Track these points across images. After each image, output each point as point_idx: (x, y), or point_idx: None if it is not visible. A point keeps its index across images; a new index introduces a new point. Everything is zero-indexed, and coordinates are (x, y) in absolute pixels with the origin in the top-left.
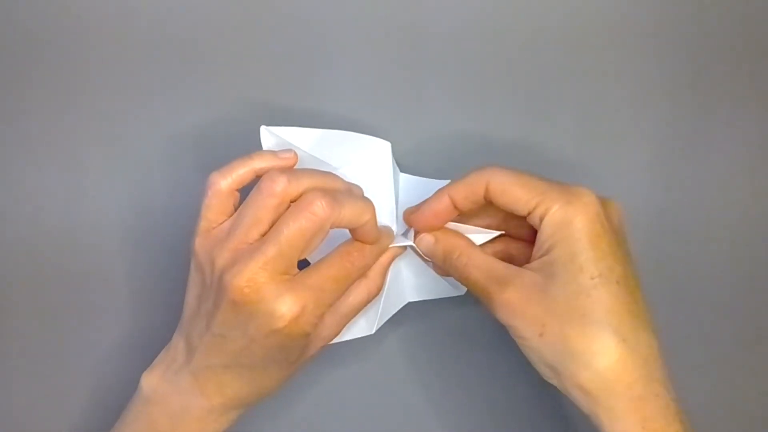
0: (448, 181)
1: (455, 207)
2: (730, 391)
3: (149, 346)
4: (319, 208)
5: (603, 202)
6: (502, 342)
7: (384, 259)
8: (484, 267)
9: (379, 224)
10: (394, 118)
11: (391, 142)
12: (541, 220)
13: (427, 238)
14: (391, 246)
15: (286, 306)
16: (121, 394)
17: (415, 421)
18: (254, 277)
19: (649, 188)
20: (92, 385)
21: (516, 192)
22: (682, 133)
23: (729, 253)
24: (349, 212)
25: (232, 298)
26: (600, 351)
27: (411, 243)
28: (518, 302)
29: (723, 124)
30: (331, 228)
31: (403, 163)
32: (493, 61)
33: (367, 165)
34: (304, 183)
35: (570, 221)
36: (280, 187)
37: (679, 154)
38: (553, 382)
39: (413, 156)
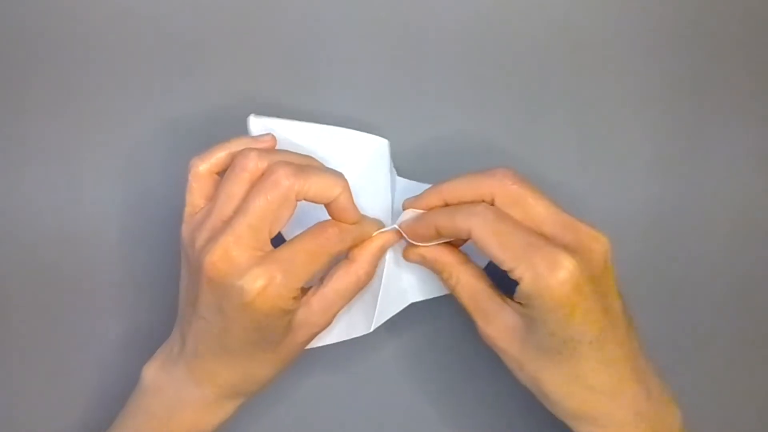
0: None
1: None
2: (729, 391)
3: (152, 342)
4: (282, 177)
5: (586, 249)
6: None
7: (374, 245)
8: (470, 294)
9: (370, 217)
10: (391, 118)
11: (388, 141)
12: (519, 281)
13: (413, 258)
14: (377, 232)
15: (252, 278)
16: (124, 389)
17: (414, 426)
18: (226, 252)
19: (648, 188)
20: (95, 381)
21: (494, 251)
22: (681, 134)
23: (728, 253)
24: (316, 183)
25: (207, 274)
26: (567, 397)
27: (395, 227)
28: (498, 340)
29: (722, 124)
30: (297, 199)
31: (400, 162)
32: (492, 62)
33: (364, 163)
34: (275, 158)
35: (542, 294)
36: (251, 163)
37: (678, 154)
38: (539, 400)
39: (410, 155)
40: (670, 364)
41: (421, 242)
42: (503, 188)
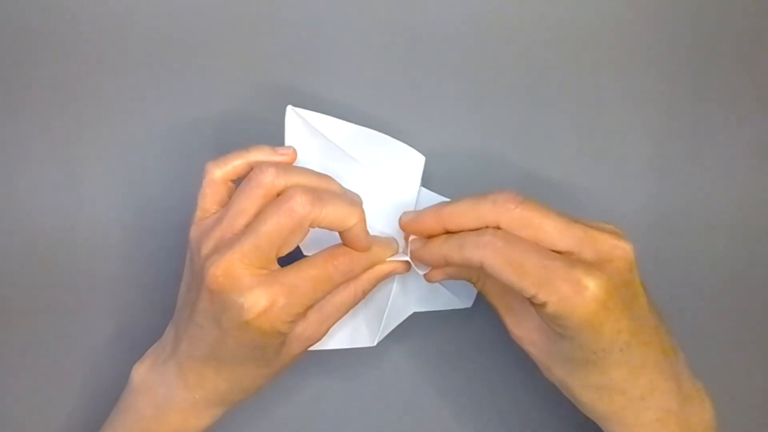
0: None
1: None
2: (729, 391)
3: (145, 342)
4: (298, 204)
5: (608, 260)
6: (508, 354)
7: (382, 270)
8: (498, 294)
9: (386, 235)
10: (391, 116)
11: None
12: (541, 307)
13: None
14: (390, 259)
15: (254, 298)
16: (117, 387)
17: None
18: (230, 268)
19: (646, 190)
20: (87, 379)
21: (511, 281)
22: (681, 133)
23: (728, 252)
24: (332, 213)
25: (208, 286)
26: (596, 401)
27: (406, 258)
28: (526, 342)
29: (722, 123)
30: (311, 227)
31: None
32: (492, 61)
33: (396, 172)
34: (293, 178)
35: (570, 316)
36: (267, 179)
37: (678, 154)
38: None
39: None
40: None
41: (461, 219)
42: (507, 213)
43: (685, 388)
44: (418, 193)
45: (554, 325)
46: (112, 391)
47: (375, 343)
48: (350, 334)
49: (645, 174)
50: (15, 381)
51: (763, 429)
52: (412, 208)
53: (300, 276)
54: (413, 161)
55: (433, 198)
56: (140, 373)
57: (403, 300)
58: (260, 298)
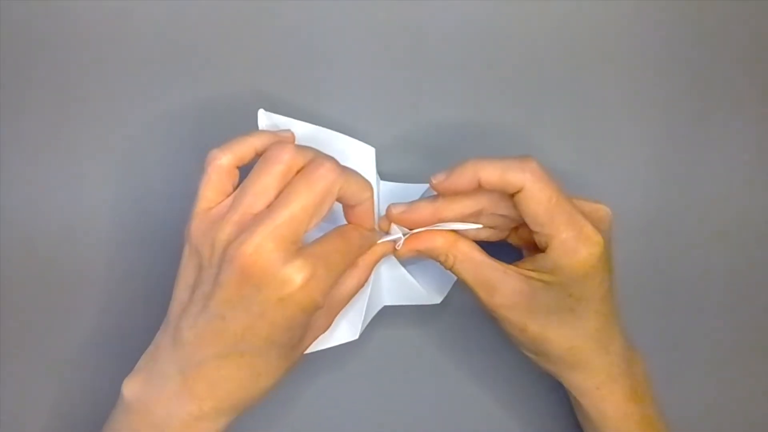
0: (427, 186)
1: (479, 186)
2: (728, 392)
3: (145, 341)
4: (328, 171)
5: (598, 222)
6: (493, 341)
7: (376, 252)
8: (470, 268)
9: None
10: (391, 116)
11: (376, 146)
12: (549, 248)
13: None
14: (381, 241)
15: (295, 269)
16: (115, 388)
17: (406, 425)
18: (262, 244)
19: (646, 190)
20: (87, 380)
21: (538, 214)
22: (679, 136)
23: (726, 255)
24: (354, 182)
25: (239, 267)
26: (569, 351)
27: (400, 235)
28: (503, 308)
29: (720, 126)
30: (337, 196)
31: (399, 161)
32: (492, 62)
33: (354, 167)
34: (310, 154)
35: (572, 265)
36: (288, 155)
37: (676, 156)
38: (532, 357)
39: (408, 154)
40: (668, 363)
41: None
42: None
43: (628, 341)
44: (378, 187)
45: (549, 272)
46: (109, 392)
47: (357, 336)
48: (332, 333)
49: (645, 174)
50: (12, 381)
51: (762, 428)
52: (375, 200)
53: (328, 248)
54: (365, 154)
55: (394, 187)
56: (134, 390)
57: (377, 293)
58: (302, 269)
